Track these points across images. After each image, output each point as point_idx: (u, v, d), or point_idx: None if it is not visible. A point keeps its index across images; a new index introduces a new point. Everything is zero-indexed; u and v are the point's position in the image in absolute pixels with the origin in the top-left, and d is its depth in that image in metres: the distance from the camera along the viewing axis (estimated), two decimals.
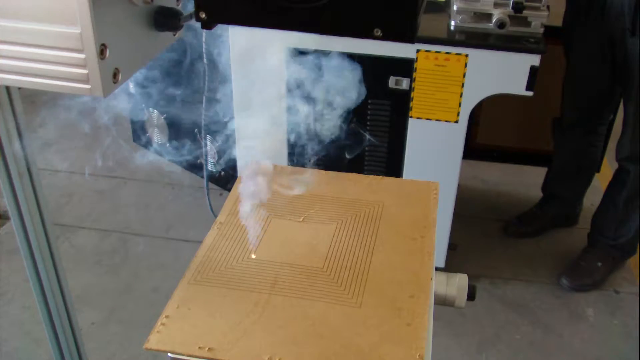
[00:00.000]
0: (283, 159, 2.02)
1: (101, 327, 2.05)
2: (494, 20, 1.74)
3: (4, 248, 2.36)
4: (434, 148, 1.94)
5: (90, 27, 0.67)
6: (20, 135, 1.07)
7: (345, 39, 0.82)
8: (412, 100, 1.87)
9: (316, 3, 0.75)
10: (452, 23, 1.81)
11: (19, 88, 1.00)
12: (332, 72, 1.86)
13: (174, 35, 0.86)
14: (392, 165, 2.00)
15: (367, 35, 0.76)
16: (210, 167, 2.64)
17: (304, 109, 1.69)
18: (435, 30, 1.82)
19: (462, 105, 1.84)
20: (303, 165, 1.48)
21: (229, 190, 1.13)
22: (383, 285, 0.89)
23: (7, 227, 2.43)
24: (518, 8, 1.72)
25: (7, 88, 1.02)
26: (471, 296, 1.04)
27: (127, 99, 2.84)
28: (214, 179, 2.65)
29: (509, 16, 1.73)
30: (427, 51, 1.78)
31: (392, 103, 1.90)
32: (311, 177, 1.09)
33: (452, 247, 2.15)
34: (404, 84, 1.86)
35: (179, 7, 0.84)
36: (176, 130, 2.73)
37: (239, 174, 1.18)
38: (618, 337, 2.09)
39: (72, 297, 1.31)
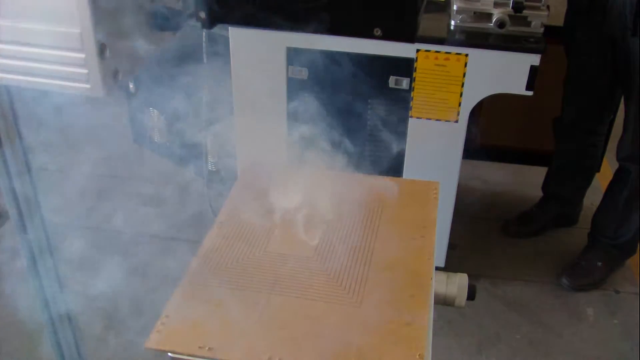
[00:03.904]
0: (283, 159, 2.02)
1: (101, 327, 2.05)
2: (494, 20, 1.74)
3: (4, 248, 2.35)
4: (434, 148, 1.93)
5: (90, 27, 0.67)
6: (20, 135, 1.07)
7: (345, 39, 0.82)
8: (412, 100, 1.87)
9: (316, 3, 0.75)
10: (452, 23, 1.81)
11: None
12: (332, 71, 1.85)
13: (174, 35, 0.86)
14: (392, 165, 2.00)
15: (367, 35, 0.77)
16: (210, 167, 2.64)
17: (304, 107, 1.69)
18: (435, 30, 1.82)
19: (462, 105, 1.84)
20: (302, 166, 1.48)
21: (229, 190, 1.13)
22: (383, 285, 0.89)
23: (7, 227, 2.43)
24: (518, 8, 1.72)
25: (7, 88, 1.02)
26: (471, 296, 1.04)
27: (127, 98, 2.84)
28: (214, 178, 2.64)
29: (509, 16, 1.73)
30: (427, 51, 1.78)
31: (392, 103, 1.90)
32: (311, 177, 1.09)
33: (451, 246, 2.15)
34: (404, 83, 1.86)
35: (179, 7, 0.84)
36: (176, 129, 2.73)
37: (239, 174, 1.18)
38: (618, 337, 2.09)
39: (72, 297, 1.31)
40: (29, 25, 0.69)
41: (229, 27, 1.80)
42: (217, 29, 1.82)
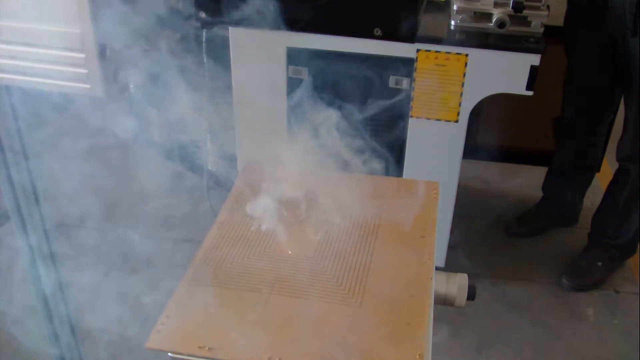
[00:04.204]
0: (283, 159, 2.02)
1: (101, 327, 2.04)
2: (494, 20, 1.74)
3: (4, 248, 2.35)
4: (434, 148, 1.94)
5: (90, 27, 0.67)
6: (20, 135, 1.07)
7: (345, 39, 0.82)
8: (412, 100, 1.87)
9: (316, 3, 0.75)
10: (452, 23, 1.81)
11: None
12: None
13: (175, 34, 0.86)
14: (392, 165, 2.00)
15: (367, 35, 0.77)
16: (210, 167, 2.64)
17: (304, 107, 1.68)
18: (435, 30, 1.82)
19: (462, 105, 1.84)
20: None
21: (229, 190, 1.13)
22: (383, 285, 0.89)
23: (7, 227, 2.43)
24: (518, 8, 1.72)
25: (8, 88, 1.02)
26: (471, 296, 1.04)
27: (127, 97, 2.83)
28: (214, 178, 2.64)
29: (509, 16, 1.73)
30: (427, 51, 1.78)
31: (392, 103, 1.90)
32: (311, 177, 1.09)
33: (451, 246, 2.15)
34: (404, 83, 1.86)
35: (179, 7, 0.84)
36: (176, 129, 2.73)
37: (239, 174, 1.18)
38: (618, 337, 2.09)
39: (72, 297, 1.31)
40: (29, 25, 0.69)
41: (229, 27, 1.80)
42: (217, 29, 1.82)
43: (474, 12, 1.77)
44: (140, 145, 2.94)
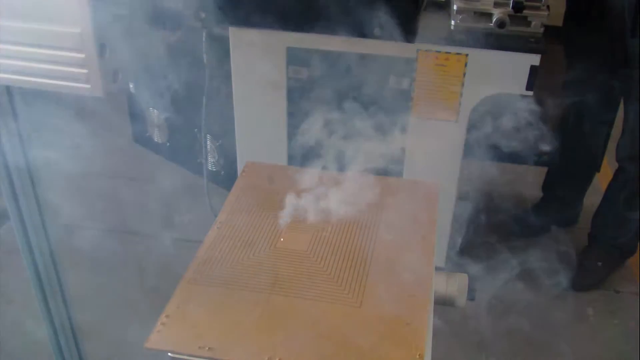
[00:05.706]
0: (283, 159, 2.02)
1: (101, 327, 2.04)
2: (494, 20, 1.74)
3: (4, 248, 2.35)
4: (434, 148, 1.93)
5: (90, 27, 0.67)
6: (20, 135, 1.07)
7: (345, 39, 0.82)
8: (412, 100, 1.87)
9: (316, 3, 0.75)
10: (452, 23, 1.81)
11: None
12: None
13: (174, 34, 0.86)
14: (392, 165, 1.99)
15: (367, 35, 0.77)
16: (210, 167, 2.64)
17: (303, 107, 1.68)
18: (435, 30, 1.82)
19: (462, 105, 1.84)
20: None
21: (229, 190, 1.13)
22: (383, 285, 0.89)
23: (7, 227, 2.43)
24: (518, 8, 1.72)
25: (8, 88, 1.02)
26: (471, 296, 1.04)
27: (127, 97, 2.84)
28: (214, 178, 2.64)
29: (509, 16, 1.73)
30: (427, 51, 1.78)
31: (392, 103, 1.90)
32: (310, 177, 1.09)
33: (452, 246, 2.15)
34: (404, 83, 1.86)
35: (179, 7, 0.84)
36: (176, 129, 2.73)
37: (239, 174, 1.18)
38: (618, 337, 2.09)
39: (72, 297, 1.31)
40: (29, 25, 0.69)
41: (229, 27, 1.80)
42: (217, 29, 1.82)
43: (474, 12, 1.77)
44: (139, 144, 2.95)
